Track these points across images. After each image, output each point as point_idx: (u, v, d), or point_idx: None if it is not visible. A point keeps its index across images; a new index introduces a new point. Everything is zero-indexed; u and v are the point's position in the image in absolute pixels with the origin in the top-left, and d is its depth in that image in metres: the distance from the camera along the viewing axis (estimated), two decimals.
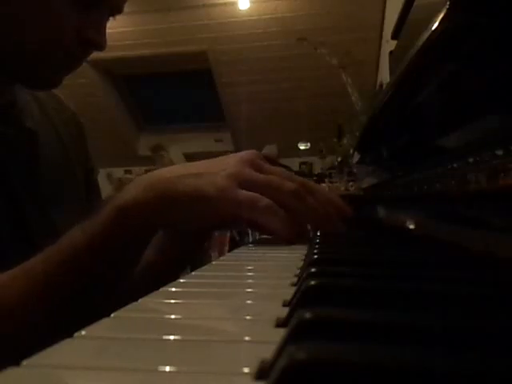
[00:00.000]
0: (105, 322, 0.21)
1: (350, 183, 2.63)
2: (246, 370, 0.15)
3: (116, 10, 0.58)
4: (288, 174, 0.52)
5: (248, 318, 0.22)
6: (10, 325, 0.43)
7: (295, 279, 0.30)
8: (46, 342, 0.18)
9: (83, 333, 0.19)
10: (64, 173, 0.67)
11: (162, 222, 0.48)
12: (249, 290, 0.28)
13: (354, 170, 2.53)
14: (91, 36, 0.55)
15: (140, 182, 0.47)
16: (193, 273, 0.35)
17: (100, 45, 0.56)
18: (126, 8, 0.60)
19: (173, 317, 0.23)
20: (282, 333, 0.17)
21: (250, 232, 3.53)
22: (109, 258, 0.45)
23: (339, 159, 3.03)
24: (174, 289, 0.29)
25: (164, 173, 0.49)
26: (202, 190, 0.45)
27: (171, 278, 0.32)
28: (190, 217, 0.47)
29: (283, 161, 4.15)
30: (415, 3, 0.58)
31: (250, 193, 0.46)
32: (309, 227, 0.55)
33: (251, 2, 4.17)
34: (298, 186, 0.49)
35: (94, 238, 0.44)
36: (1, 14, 0.52)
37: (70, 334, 0.19)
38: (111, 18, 0.59)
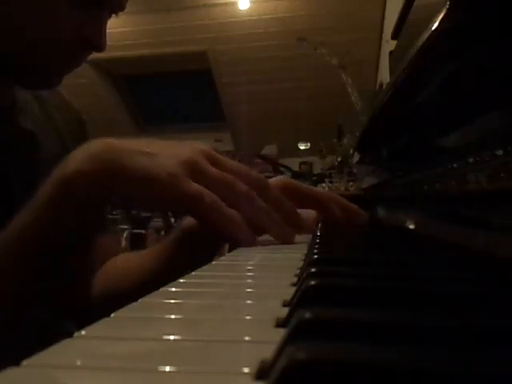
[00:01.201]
0: (105, 321, 0.21)
1: (350, 183, 2.63)
2: (245, 370, 0.15)
3: (118, 7, 0.58)
4: (244, 171, 0.49)
5: (248, 318, 0.22)
6: None
7: (295, 279, 0.30)
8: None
9: (83, 333, 0.19)
10: None
11: (106, 196, 0.45)
12: (249, 289, 0.28)
13: (354, 170, 2.53)
14: (91, 37, 0.55)
15: (86, 150, 0.44)
16: (193, 273, 0.35)
17: (99, 46, 0.56)
18: (126, 8, 0.60)
19: (173, 317, 0.23)
20: (281, 333, 0.17)
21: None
22: (57, 233, 0.43)
23: (339, 159, 3.03)
24: (173, 289, 0.29)
25: (114, 144, 0.45)
26: (151, 172, 0.43)
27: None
28: (136, 196, 0.45)
29: (283, 161, 4.16)
30: (415, 3, 0.58)
31: (199, 186, 0.44)
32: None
33: (251, 2, 4.17)
34: (249, 188, 0.47)
35: (40, 210, 0.42)
36: (3, 14, 0.52)
37: (69, 334, 0.19)
38: (113, 16, 0.59)
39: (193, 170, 0.44)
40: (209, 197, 0.44)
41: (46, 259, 0.44)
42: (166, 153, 0.45)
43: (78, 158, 0.43)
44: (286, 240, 0.51)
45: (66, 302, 0.48)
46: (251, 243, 0.48)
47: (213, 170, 0.46)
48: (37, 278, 0.44)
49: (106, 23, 0.57)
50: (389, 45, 1.07)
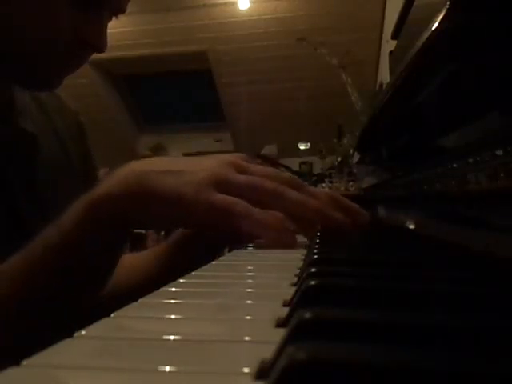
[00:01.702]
0: (105, 321, 0.21)
1: (350, 183, 2.63)
2: (246, 370, 0.15)
3: (118, 10, 0.58)
4: (272, 172, 0.49)
5: (248, 318, 0.22)
6: None
7: (295, 279, 0.30)
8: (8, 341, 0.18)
9: (83, 333, 0.19)
10: (64, 174, 0.67)
11: (134, 219, 0.45)
12: (249, 289, 0.28)
13: (354, 170, 2.53)
14: (92, 37, 0.55)
15: (115, 175, 0.45)
16: (193, 273, 0.35)
17: (99, 47, 0.56)
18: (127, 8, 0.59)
19: (173, 317, 0.23)
20: (281, 333, 0.17)
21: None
22: (83, 255, 0.44)
23: (339, 159, 3.03)
24: (173, 289, 0.29)
25: (141, 165, 0.46)
26: (178, 191, 0.43)
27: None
28: (164, 217, 0.45)
29: (283, 161, 4.16)
30: (415, 3, 0.58)
31: (227, 196, 0.44)
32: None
33: (251, 2, 4.17)
34: (279, 184, 0.47)
35: (67, 233, 0.43)
36: (3, 14, 0.52)
37: (70, 334, 0.19)
38: (114, 18, 0.59)
39: (219, 181, 0.44)
40: (239, 204, 0.43)
41: (69, 277, 0.44)
42: (191, 169, 0.45)
43: (107, 182, 0.44)
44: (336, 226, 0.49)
45: (79, 308, 0.48)
46: (291, 244, 0.46)
47: (239, 177, 0.46)
48: (57, 292, 0.45)
49: (106, 24, 0.57)
50: (389, 45, 1.07)
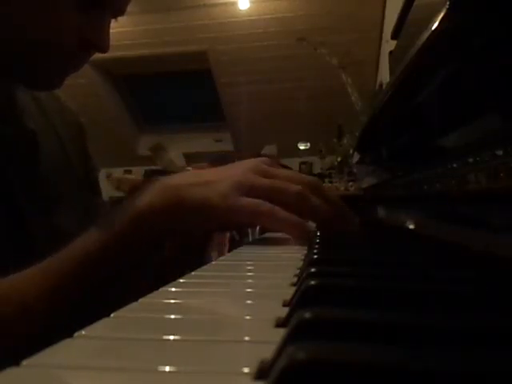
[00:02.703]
0: (105, 321, 0.21)
1: (350, 183, 2.63)
2: (245, 370, 0.15)
3: (118, 12, 0.58)
4: (295, 175, 0.53)
5: (248, 317, 0.22)
6: (29, 323, 0.43)
7: (295, 279, 0.30)
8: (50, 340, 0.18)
9: (83, 333, 0.19)
10: (64, 173, 0.67)
11: (173, 228, 0.49)
12: (249, 290, 0.28)
13: (354, 170, 2.53)
14: (93, 38, 0.55)
15: (154, 188, 0.49)
16: (193, 273, 0.35)
17: (102, 47, 0.56)
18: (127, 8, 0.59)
19: (173, 317, 0.23)
20: (281, 333, 0.17)
21: (250, 232, 3.53)
22: (121, 263, 0.47)
23: (339, 159, 3.03)
24: (173, 289, 0.29)
25: (176, 180, 0.50)
26: (207, 199, 0.47)
27: (170, 278, 0.32)
28: (197, 224, 0.49)
29: (283, 161, 4.15)
30: (415, 3, 0.58)
31: (252, 199, 0.47)
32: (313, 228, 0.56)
33: (251, 2, 4.17)
34: (302, 187, 0.50)
35: (109, 241, 0.46)
36: (3, 14, 0.52)
37: (69, 334, 0.19)
38: (113, 20, 0.59)
39: (244, 187, 0.48)
40: (263, 205, 0.47)
41: (105, 281, 0.47)
42: (218, 178, 0.49)
43: (148, 195, 0.48)
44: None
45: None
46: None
47: (263, 181, 0.50)
48: (86, 295, 0.46)
49: (109, 25, 0.57)
50: (389, 45, 1.07)
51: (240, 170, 0.50)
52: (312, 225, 0.55)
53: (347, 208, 0.57)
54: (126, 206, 0.48)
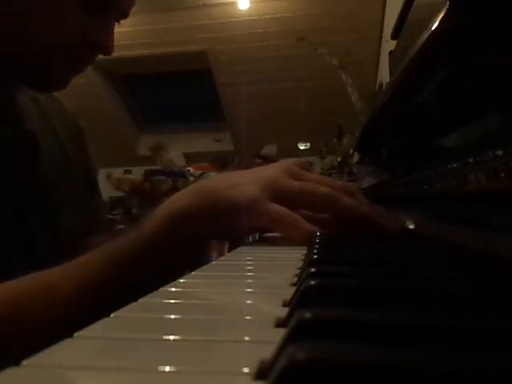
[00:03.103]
0: (105, 321, 0.21)
1: (350, 183, 2.63)
2: (245, 370, 0.15)
3: (122, 14, 0.58)
4: (326, 180, 0.53)
5: (248, 318, 0.22)
6: (65, 317, 0.43)
7: (295, 279, 0.30)
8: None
9: (83, 333, 0.19)
10: (64, 173, 0.67)
11: (206, 230, 0.50)
12: (249, 290, 0.28)
13: (354, 170, 2.53)
14: (98, 39, 0.55)
15: (188, 192, 0.50)
16: (193, 273, 0.35)
17: (106, 49, 0.56)
18: None
19: (173, 317, 0.23)
20: (281, 333, 0.17)
21: None
22: (157, 261, 0.48)
23: (339, 159, 3.03)
24: (173, 289, 0.29)
25: (211, 182, 0.52)
26: (237, 203, 0.48)
27: (169, 278, 0.32)
28: (227, 227, 0.50)
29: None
30: (415, 3, 0.58)
31: (278, 207, 0.48)
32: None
33: (251, 2, 4.17)
34: (332, 189, 0.50)
35: (147, 240, 0.47)
36: (3, 14, 0.52)
37: (69, 334, 0.19)
38: (116, 23, 0.59)
39: (274, 190, 0.49)
40: (289, 216, 0.48)
41: (139, 277, 0.47)
42: (249, 180, 0.50)
43: (185, 198, 0.49)
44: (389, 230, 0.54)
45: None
46: None
47: (293, 183, 0.50)
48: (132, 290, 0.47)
49: (113, 27, 0.57)
50: (389, 45, 1.07)
51: (271, 172, 0.51)
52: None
53: (381, 210, 0.57)
54: (162, 208, 0.49)
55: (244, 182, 0.49)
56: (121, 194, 3.79)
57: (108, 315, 0.22)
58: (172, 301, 0.26)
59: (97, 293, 0.45)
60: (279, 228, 0.49)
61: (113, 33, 0.57)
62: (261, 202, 0.48)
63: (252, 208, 0.47)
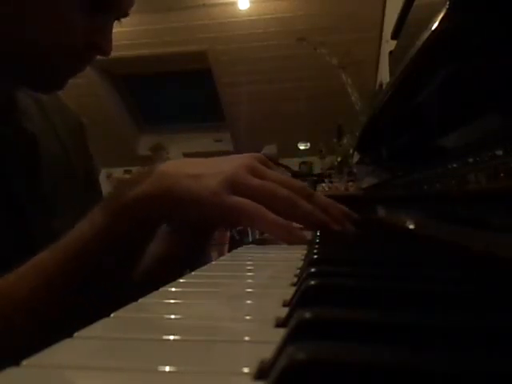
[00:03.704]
0: (105, 321, 0.21)
1: (350, 183, 2.63)
2: (245, 370, 0.15)
3: (122, 14, 0.58)
4: (286, 180, 0.52)
5: (248, 317, 0.22)
6: (23, 320, 0.43)
7: (295, 279, 0.30)
8: (49, 338, 0.18)
9: (83, 333, 0.19)
10: (64, 173, 0.67)
11: (164, 218, 0.50)
12: (249, 290, 0.28)
13: (354, 170, 2.53)
14: (97, 40, 0.55)
15: (144, 178, 0.48)
16: (193, 273, 0.35)
17: (105, 50, 0.56)
18: None
19: (173, 317, 0.23)
20: (281, 333, 0.17)
21: (250, 232, 3.53)
22: (115, 250, 0.47)
23: (339, 159, 3.03)
24: (173, 289, 0.29)
25: (168, 169, 0.50)
26: (197, 194, 0.47)
27: (171, 277, 0.32)
28: (186, 216, 0.49)
29: (283, 161, 4.16)
30: (415, 3, 0.58)
31: (240, 198, 0.47)
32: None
33: (251, 2, 4.17)
34: (291, 192, 0.50)
35: (101, 230, 0.46)
36: (3, 14, 0.52)
37: (69, 334, 0.19)
38: (116, 22, 0.59)
39: (234, 185, 0.48)
40: (251, 205, 0.47)
41: (98, 268, 0.47)
42: (210, 172, 0.49)
43: (138, 184, 0.48)
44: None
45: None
46: (301, 240, 0.49)
47: (254, 181, 0.49)
48: (85, 283, 0.47)
49: (112, 27, 0.57)
50: (389, 45, 1.07)
51: (232, 167, 0.50)
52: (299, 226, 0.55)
53: (342, 208, 0.56)
54: (115, 196, 0.48)
55: (204, 173, 0.48)
56: None
57: (108, 315, 0.22)
58: (172, 301, 0.26)
59: (57, 288, 0.44)
60: (243, 219, 0.48)
61: (111, 34, 0.57)
62: (221, 195, 0.47)
63: (211, 200, 0.47)
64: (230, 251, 0.51)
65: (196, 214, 0.49)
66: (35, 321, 0.44)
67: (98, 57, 0.58)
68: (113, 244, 0.47)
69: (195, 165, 0.51)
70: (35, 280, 0.44)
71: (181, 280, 0.32)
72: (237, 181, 0.48)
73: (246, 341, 0.19)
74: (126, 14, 0.58)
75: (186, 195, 0.47)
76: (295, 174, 3.74)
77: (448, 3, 0.33)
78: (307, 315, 0.16)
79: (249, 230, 3.13)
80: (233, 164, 0.50)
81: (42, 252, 0.45)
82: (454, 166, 0.46)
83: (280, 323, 0.20)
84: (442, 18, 0.34)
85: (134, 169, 5.18)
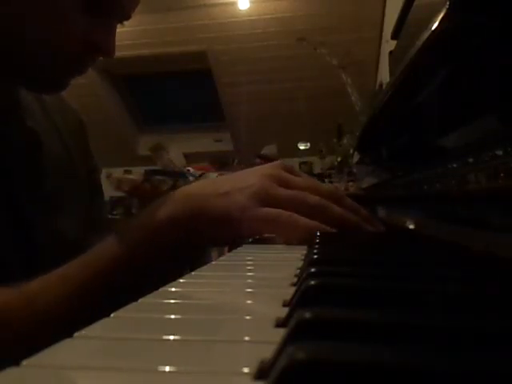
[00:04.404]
0: (105, 321, 0.21)
1: (350, 183, 2.63)
2: (245, 370, 0.15)
3: (125, 17, 0.58)
4: (313, 186, 0.52)
5: (248, 317, 0.22)
6: (46, 330, 0.43)
7: (295, 279, 0.30)
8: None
9: (83, 333, 0.19)
10: (66, 173, 0.67)
11: (192, 239, 0.49)
12: (249, 290, 0.28)
13: (354, 170, 2.53)
14: (100, 42, 0.55)
15: (175, 198, 0.48)
16: (193, 273, 0.35)
17: (108, 51, 0.56)
18: None
19: (173, 317, 0.23)
20: (281, 333, 0.17)
21: None
22: (141, 270, 0.47)
23: (339, 159, 3.03)
24: (173, 289, 0.29)
25: (196, 190, 0.50)
26: (227, 212, 0.47)
27: (170, 277, 0.32)
28: (217, 236, 0.49)
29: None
30: (415, 3, 0.58)
31: (270, 209, 0.47)
32: None
33: (251, 2, 4.17)
34: (321, 197, 0.50)
35: (131, 251, 0.46)
36: (3, 14, 0.52)
37: (69, 334, 0.19)
38: (118, 25, 0.59)
39: (263, 197, 0.48)
40: (283, 215, 0.47)
41: (124, 286, 0.47)
42: (237, 188, 0.49)
43: (168, 206, 0.48)
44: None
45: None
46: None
47: (282, 191, 0.49)
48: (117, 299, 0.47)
49: (115, 29, 0.57)
50: (389, 45, 1.07)
51: (258, 179, 0.50)
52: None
53: (369, 214, 0.57)
54: (146, 216, 0.48)
55: (231, 191, 0.48)
56: (121, 193, 3.79)
57: (108, 315, 0.22)
58: (172, 301, 0.26)
59: (79, 303, 0.44)
60: (276, 228, 0.48)
61: (114, 35, 0.57)
62: (251, 209, 0.47)
63: (243, 216, 0.47)
64: (230, 251, 0.51)
65: (228, 232, 0.48)
66: (51, 331, 0.44)
67: (101, 58, 0.58)
68: (142, 263, 0.47)
69: (220, 183, 0.51)
70: (60, 293, 0.44)
71: (181, 280, 0.32)
72: (265, 193, 0.48)
73: (245, 341, 0.19)
74: (128, 17, 0.58)
75: (216, 214, 0.47)
76: None
77: (448, 3, 0.33)
78: (307, 315, 0.16)
79: None
80: (258, 176, 0.50)
81: (67, 265, 0.45)
82: (454, 166, 0.46)
83: (280, 323, 0.20)
84: (442, 18, 0.34)
85: (134, 169, 5.18)
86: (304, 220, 0.48)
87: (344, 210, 0.51)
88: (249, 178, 0.50)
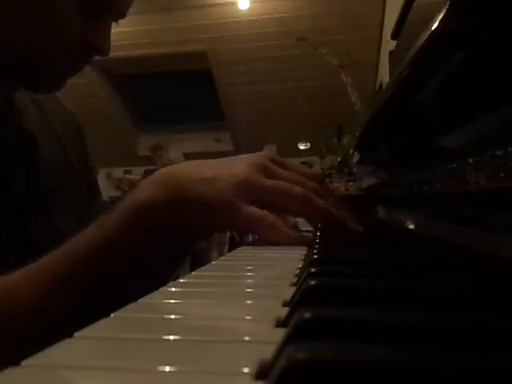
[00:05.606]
0: (105, 321, 0.21)
1: (350, 183, 2.63)
2: (245, 370, 0.15)
3: (120, 15, 0.58)
4: (299, 178, 0.51)
5: (248, 317, 0.22)
6: (29, 322, 0.43)
7: (295, 279, 0.30)
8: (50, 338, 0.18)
9: (83, 333, 0.19)
10: (64, 173, 0.67)
11: (174, 224, 0.48)
12: (249, 289, 0.28)
13: (354, 170, 2.53)
14: (95, 41, 0.55)
15: (155, 182, 0.47)
16: (193, 273, 0.35)
17: (103, 50, 0.56)
18: None
19: (173, 317, 0.23)
20: (281, 333, 0.17)
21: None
22: (124, 256, 0.46)
23: (339, 159, 3.03)
24: (173, 289, 0.29)
25: (178, 171, 0.49)
26: (209, 200, 0.46)
27: (166, 275, 0.32)
28: (201, 223, 0.48)
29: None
30: (415, 3, 0.58)
31: (254, 209, 0.46)
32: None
33: (251, 2, 4.17)
34: (305, 190, 0.49)
35: (111, 235, 0.45)
36: (3, 14, 0.52)
37: (69, 334, 0.19)
38: (114, 23, 0.59)
39: (247, 188, 0.47)
40: (267, 218, 0.47)
41: (108, 276, 0.46)
42: (221, 175, 0.47)
43: (148, 189, 0.46)
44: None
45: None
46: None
47: (267, 181, 0.48)
48: (103, 289, 0.46)
49: (110, 28, 0.57)
50: (389, 45, 1.07)
51: (243, 168, 0.49)
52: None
53: (349, 214, 0.57)
54: (126, 200, 0.47)
55: (215, 176, 0.47)
56: (121, 193, 3.79)
57: (108, 315, 0.22)
58: (172, 301, 0.26)
59: (62, 290, 0.44)
60: (257, 230, 0.47)
61: (109, 34, 0.57)
62: (235, 203, 0.46)
63: (225, 208, 0.46)
64: (230, 251, 0.51)
65: (210, 220, 0.47)
66: (38, 322, 0.43)
67: (97, 57, 0.58)
68: (123, 249, 0.46)
69: (206, 167, 0.49)
70: (41, 282, 0.44)
71: (181, 280, 0.32)
72: (250, 183, 0.47)
73: (245, 341, 0.19)
74: (123, 16, 0.59)
75: (196, 200, 0.46)
76: None
77: (448, 3, 0.33)
78: (307, 315, 0.16)
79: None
80: (244, 165, 0.49)
81: (49, 254, 0.45)
82: (454, 166, 0.46)
83: (280, 323, 0.20)
84: (442, 18, 0.34)
85: (134, 169, 5.19)
86: (286, 230, 0.48)
87: (327, 205, 0.51)
88: (234, 166, 0.49)
